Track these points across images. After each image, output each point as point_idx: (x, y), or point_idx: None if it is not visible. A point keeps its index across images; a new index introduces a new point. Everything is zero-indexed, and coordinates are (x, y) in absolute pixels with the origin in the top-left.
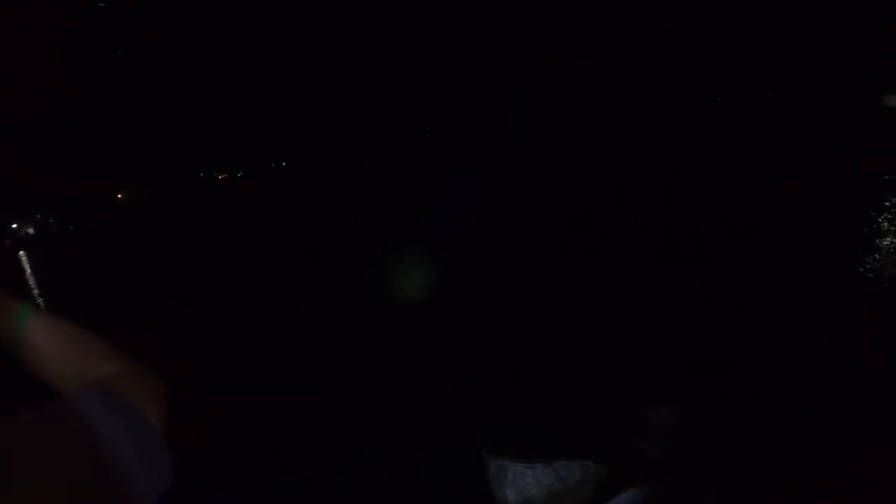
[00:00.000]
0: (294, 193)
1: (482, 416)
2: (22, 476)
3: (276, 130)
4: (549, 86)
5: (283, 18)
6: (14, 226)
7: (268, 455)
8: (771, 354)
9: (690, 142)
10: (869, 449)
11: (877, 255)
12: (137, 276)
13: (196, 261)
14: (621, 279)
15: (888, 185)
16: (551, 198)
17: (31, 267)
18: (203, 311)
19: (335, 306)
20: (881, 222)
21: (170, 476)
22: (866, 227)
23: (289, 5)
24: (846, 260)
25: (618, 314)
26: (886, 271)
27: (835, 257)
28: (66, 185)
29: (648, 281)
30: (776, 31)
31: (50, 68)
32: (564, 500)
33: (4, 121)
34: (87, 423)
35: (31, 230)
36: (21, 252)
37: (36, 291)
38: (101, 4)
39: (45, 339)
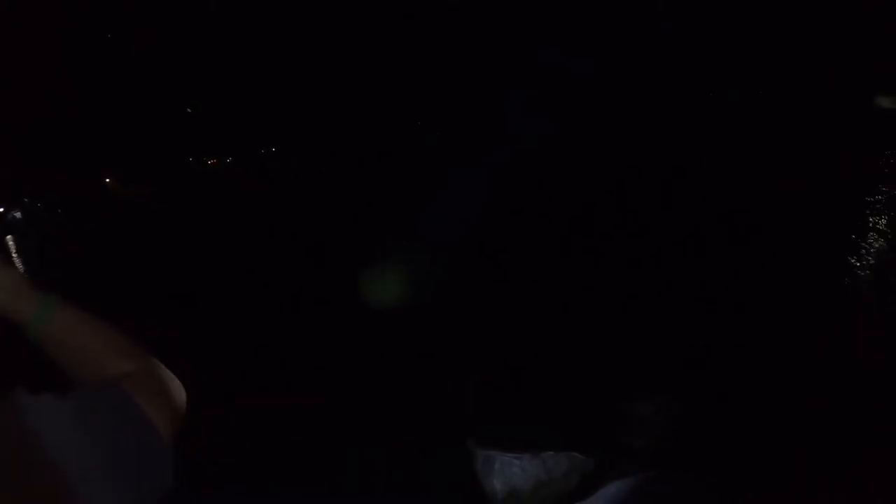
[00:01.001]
0: (294, 193)
1: (470, 407)
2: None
3: (275, 128)
4: (549, 86)
5: (282, 16)
6: (0, 210)
7: (261, 445)
8: (764, 352)
9: (690, 141)
10: (864, 445)
11: (876, 255)
12: (128, 261)
13: (188, 251)
14: (616, 277)
15: (888, 185)
16: (551, 198)
17: (18, 252)
18: (197, 305)
19: (334, 304)
20: (881, 222)
21: (169, 482)
22: (866, 227)
23: (288, 4)
24: (846, 259)
25: (611, 311)
26: (886, 271)
27: (834, 256)
28: (54, 170)
29: (643, 279)
30: (776, 31)
31: (35, 53)
32: (551, 490)
33: None
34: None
35: (18, 214)
36: (8, 237)
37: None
38: None
39: (68, 330)
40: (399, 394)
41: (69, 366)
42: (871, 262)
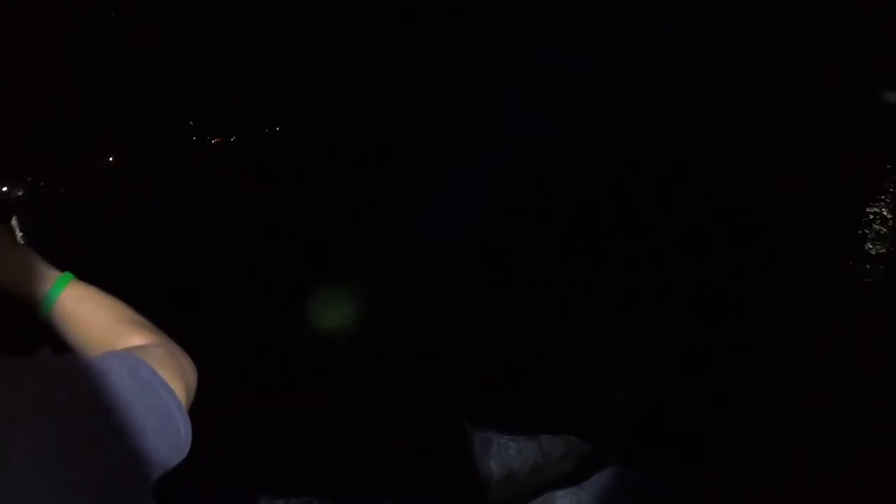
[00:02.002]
0: (294, 193)
1: (468, 389)
2: None
3: (276, 126)
4: (550, 86)
5: (282, 14)
6: (3, 189)
7: (262, 430)
8: (762, 345)
9: (690, 141)
10: (862, 441)
11: (876, 253)
12: (130, 238)
13: (188, 239)
14: (617, 273)
15: (887, 184)
16: (551, 198)
17: (22, 232)
18: (197, 300)
19: (335, 303)
20: (881, 220)
21: (185, 448)
22: (866, 226)
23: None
24: (846, 257)
25: (611, 301)
26: (885, 269)
27: (833, 256)
28: (56, 148)
29: (646, 272)
30: (776, 30)
31: (36, 31)
32: (547, 473)
33: None
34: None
35: (20, 193)
36: (13, 217)
37: None
38: None
39: (79, 306)
40: (398, 378)
41: (80, 342)
42: (871, 260)
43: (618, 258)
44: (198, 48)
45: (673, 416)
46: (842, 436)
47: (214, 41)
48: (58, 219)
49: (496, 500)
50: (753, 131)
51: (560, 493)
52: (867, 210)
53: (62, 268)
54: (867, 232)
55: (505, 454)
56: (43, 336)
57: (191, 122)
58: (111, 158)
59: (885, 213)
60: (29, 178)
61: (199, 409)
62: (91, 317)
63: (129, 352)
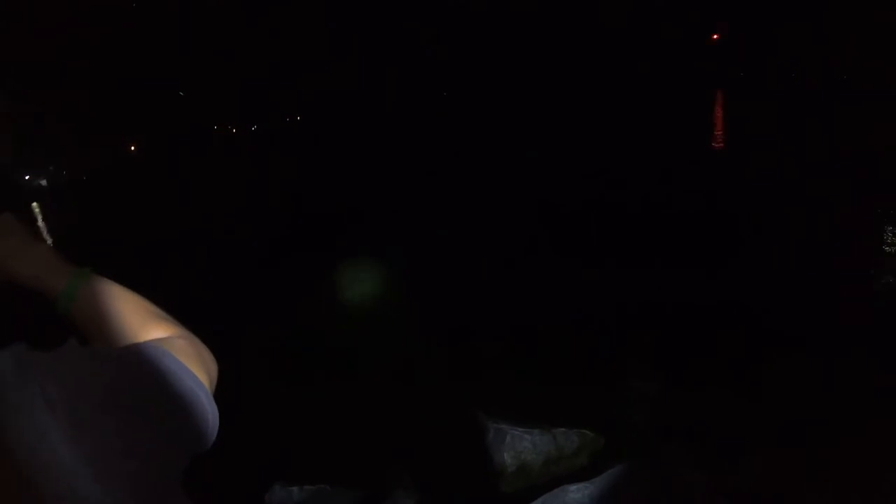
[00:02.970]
0: (295, 193)
1: (483, 382)
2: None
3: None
4: (549, 86)
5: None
6: (27, 177)
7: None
8: (774, 339)
9: (690, 140)
10: (875, 433)
11: (875, 251)
12: (148, 229)
13: (201, 225)
14: (631, 266)
15: (887, 182)
16: (565, 188)
17: (44, 219)
18: (216, 287)
19: (350, 293)
20: (881, 218)
21: (213, 434)
22: (865, 225)
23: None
24: (845, 255)
25: (626, 298)
26: (885, 267)
27: (833, 254)
28: (78, 136)
29: (657, 269)
30: (776, 28)
31: (58, 19)
32: (560, 467)
33: (13, 73)
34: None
35: (43, 182)
36: (34, 204)
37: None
38: None
39: (99, 301)
40: (413, 370)
41: (102, 336)
42: (871, 258)
43: (630, 251)
44: (217, 39)
45: (687, 410)
46: (854, 427)
47: (234, 33)
48: (79, 206)
49: (509, 492)
50: (753, 129)
51: (573, 486)
52: (866, 207)
53: (83, 256)
54: (866, 228)
55: (519, 446)
56: (63, 329)
57: (207, 112)
58: (132, 147)
59: (883, 209)
60: (51, 167)
61: (218, 400)
62: (112, 310)
63: (153, 343)
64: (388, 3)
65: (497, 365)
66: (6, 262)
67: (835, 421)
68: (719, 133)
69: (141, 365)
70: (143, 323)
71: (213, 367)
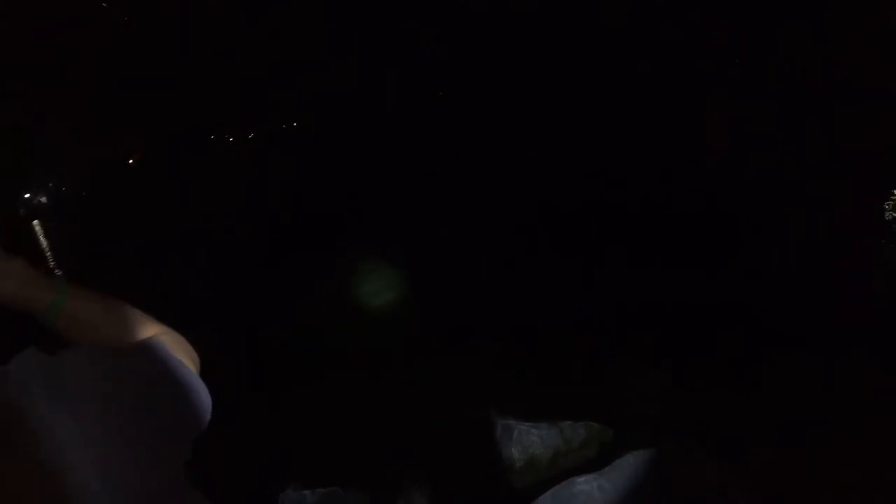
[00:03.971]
0: (295, 193)
1: (490, 379)
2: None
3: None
4: (549, 86)
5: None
6: (27, 195)
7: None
8: (781, 330)
9: (690, 140)
10: (863, 433)
11: (876, 252)
12: (149, 246)
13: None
14: (635, 259)
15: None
16: (551, 198)
17: (45, 236)
18: (207, 300)
19: (356, 292)
20: (881, 218)
21: (209, 411)
22: (865, 225)
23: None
24: (845, 257)
25: (630, 291)
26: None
27: (833, 254)
28: (78, 153)
29: (662, 262)
30: (776, 28)
31: (56, 31)
32: (569, 460)
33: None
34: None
35: (44, 199)
36: (35, 221)
37: (51, 262)
38: None
39: (83, 311)
40: (421, 367)
41: (92, 342)
42: (871, 258)
43: (630, 251)
44: (212, 47)
45: (693, 400)
46: (854, 427)
47: (226, 39)
48: (80, 222)
49: (518, 487)
50: (754, 127)
51: (581, 478)
52: (866, 205)
53: (86, 271)
54: (874, 226)
55: (527, 441)
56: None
57: (206, 122)
58: (131, 161)
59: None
60: (51, 183)
61: (228, 403)
62: (97, 317)
63: (145, 340)
64: (389, 3)
65: (500, 363)
66: None
67: (835, 421)
68: (719, 133)
69: (138, 361)
70: (128, 324)
71: (195, 355)
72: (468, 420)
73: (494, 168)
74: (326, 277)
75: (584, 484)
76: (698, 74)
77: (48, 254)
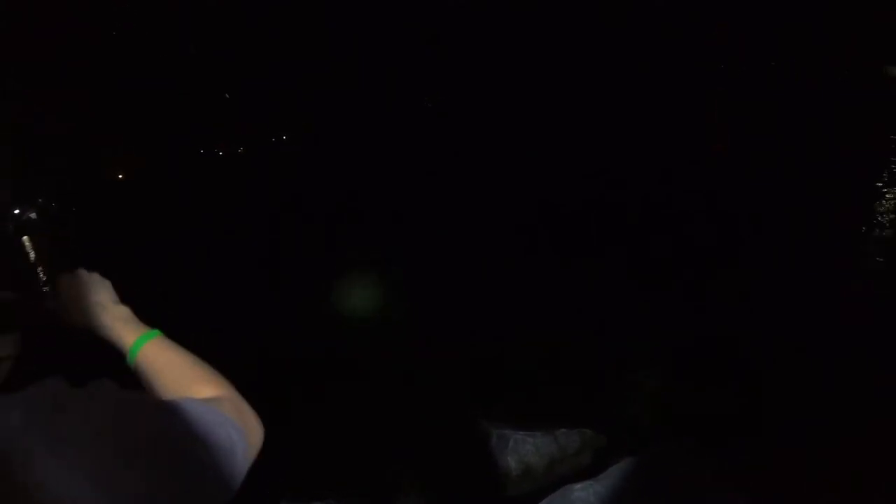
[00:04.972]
0: (295, 195)
1: (485, 389)
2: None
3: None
4: (549, 86)
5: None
6: (16, 211)
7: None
8: (775, 332)
9: (690, 140)
10: (863, 433)
11: (876, 252)
12: (142, 260)
13: (198, 247)
14: (626, 263)
15: (887, 182)
16: (558, 190)
17: (35, 253)
18: (204, 305)
19: (348, 300)
20: (881, 218)
21: (234, 489)
22: (865, 225)
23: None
24: (845, 257)
25: (621, 296)
26: (885, 268)
27: (833, 254)
28: (67, 168)
29: (653, 266)
30: (776, 28)
31: (48, 46)
32: (564, 467)
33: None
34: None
35: (33, 215)
36: (24, 238)
37: (42, 279)
38: None
39: (158, 357)
40: (414, 377)
41: (157, 388)
42: (870, 258)
43: (630, 251)
44: (204, 57)
45: (686, 404)
46: (854, 427)
47: (226, 39)
48: (70, 237)
49: (515, 496)
50: (753, 126)
51: (577, 485)
52: (867, 204)
53: (68, 258)
54: (873, 221)
55: (522, 450)
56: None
57: (197, 133)
58: (121, 176)
59: (884, 206)
60: (40, 199)
61: None
62: (168, 367)
63: (197, 399)
64: (389, 3)
65: (497, 367)
66: (100, 314)
67: (835, 421)
68: (719, 133)
69: (177, 415)
70: (194, 380)
71: (258, 431)
72: (463, 430)
73: (494, 168)
74: (324, 279)
75: (581, 490)
76: (698, 74)
77: (38, 270)
